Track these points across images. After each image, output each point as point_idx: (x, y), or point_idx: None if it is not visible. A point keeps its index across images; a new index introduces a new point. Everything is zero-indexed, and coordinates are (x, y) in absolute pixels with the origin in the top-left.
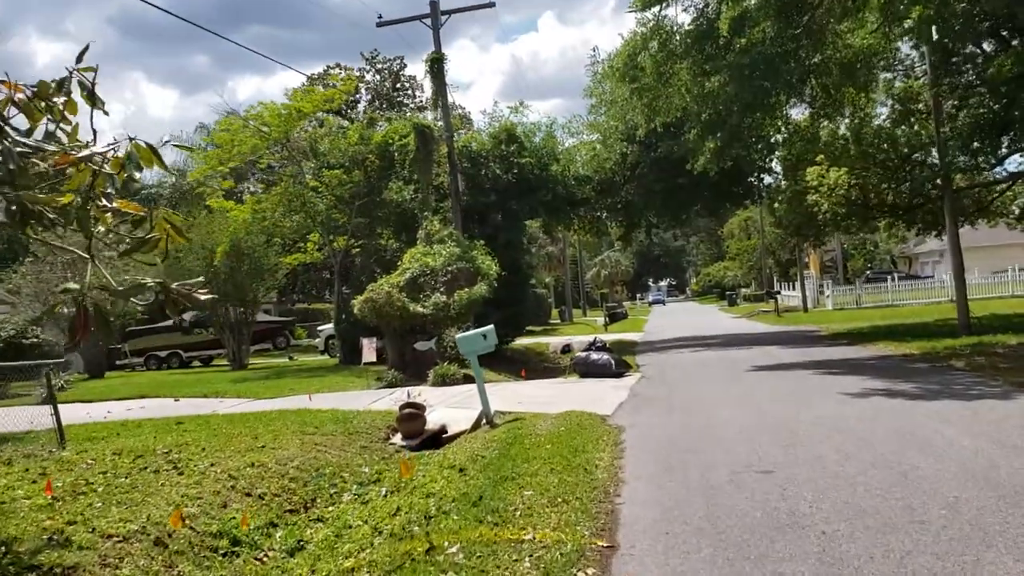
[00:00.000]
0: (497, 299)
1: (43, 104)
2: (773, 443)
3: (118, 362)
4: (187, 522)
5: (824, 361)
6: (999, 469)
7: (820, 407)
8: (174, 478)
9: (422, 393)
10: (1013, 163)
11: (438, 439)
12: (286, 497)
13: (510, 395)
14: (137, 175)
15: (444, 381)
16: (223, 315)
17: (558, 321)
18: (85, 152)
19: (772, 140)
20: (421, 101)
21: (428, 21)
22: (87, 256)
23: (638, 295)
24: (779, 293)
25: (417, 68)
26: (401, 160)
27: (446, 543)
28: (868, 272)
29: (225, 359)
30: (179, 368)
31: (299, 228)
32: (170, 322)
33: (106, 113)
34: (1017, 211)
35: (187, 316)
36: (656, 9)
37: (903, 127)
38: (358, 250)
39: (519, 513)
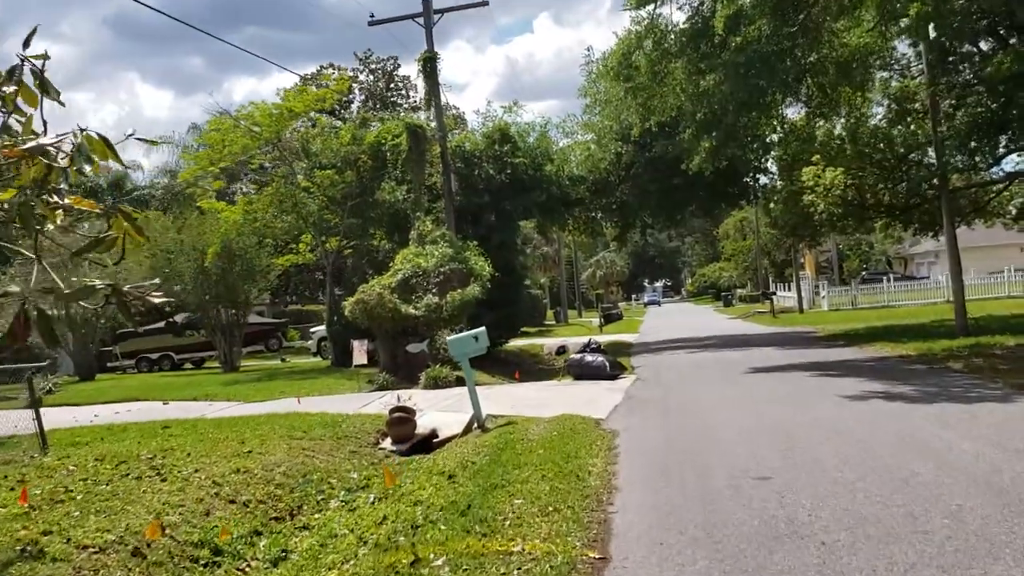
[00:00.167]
0: (491, 300)
1: None
2: (770, 447)
3: (109, 364)
4: (168, 531)
5: (821, 363)
6: (1002, 474)
7: (818, 410)
8: (156, 485)
9: (412, 396)
10: (1010, 163)
11: (429, 443)
12: (271, 504)
13: (503, 398)
14: (87, 169)
15: (436, 384)
16: (215, 317)
17: (553, 322)
18: (32, 144)
19: (768, 140)
20: (415, 101)
21: (421, 20)
22: (33, 256)
23: (633, 296)
24: (775, 294)
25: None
26: (394, 160)
27: (432, 555)
28: (864, 273)
29: (217, 361)
30: (170, 370)
31: (291, 229)
32: (162, 324)
33: (61, 104)
34: (1014, 211)
35: (179, 318)
36: (650, 7)
37: (899, 127)
38: (350, 251)
39: (508, 523)
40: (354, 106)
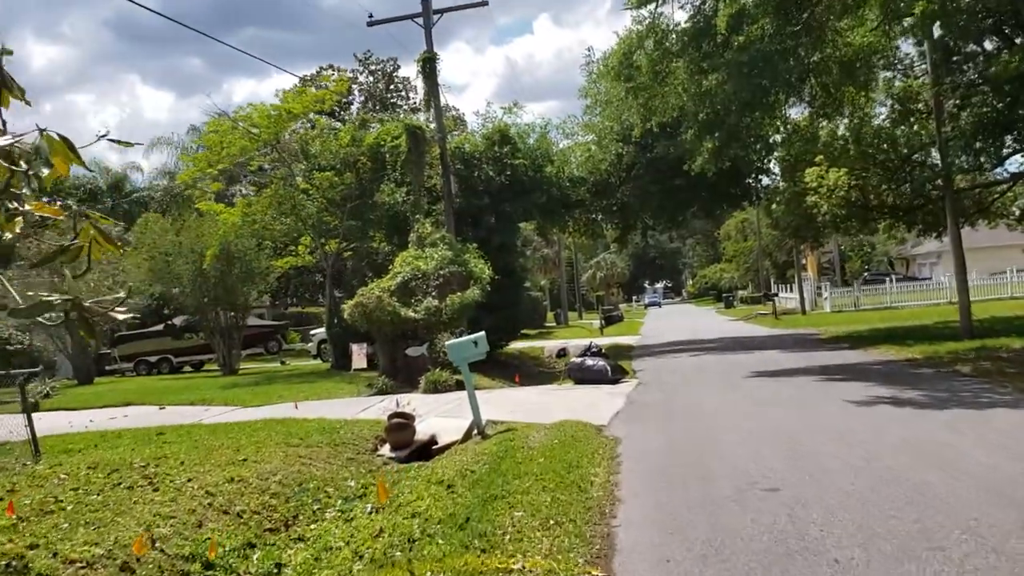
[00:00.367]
0: (491, 303)
1: None
2: (777, 456)
3: (107, 368)
4: (158, 544)
5: (826, 366)
6: (1019, 486)
7: (825, 416)
8: (148, 495)
9: (412, 401)
10: (1014, 163)
11: (428, 450)
12: (266, 515)
13: (503, 402)
14: (44, 171)
15: (436, 388)
16: (213, 319)
17: (553, 324)
18: None
19: (771, 140)
20: (414, 103)
21: (420, 20)
22: None
23: (634, 297)
24: (777, 295)
25: (410, 70)
26: (393, 162)
27: (429, 572)
28: (866, 274)
29: (216, 364)
30: (169, 373)
31: (290, 231)
32: (161, 326)
33: (27, 103)
34: (1018, 212)
35: (177, 320)
36: (652, 7)
37: (903, 127)
38: (350, 253)
39: (508, 537)
40: (353, 108)
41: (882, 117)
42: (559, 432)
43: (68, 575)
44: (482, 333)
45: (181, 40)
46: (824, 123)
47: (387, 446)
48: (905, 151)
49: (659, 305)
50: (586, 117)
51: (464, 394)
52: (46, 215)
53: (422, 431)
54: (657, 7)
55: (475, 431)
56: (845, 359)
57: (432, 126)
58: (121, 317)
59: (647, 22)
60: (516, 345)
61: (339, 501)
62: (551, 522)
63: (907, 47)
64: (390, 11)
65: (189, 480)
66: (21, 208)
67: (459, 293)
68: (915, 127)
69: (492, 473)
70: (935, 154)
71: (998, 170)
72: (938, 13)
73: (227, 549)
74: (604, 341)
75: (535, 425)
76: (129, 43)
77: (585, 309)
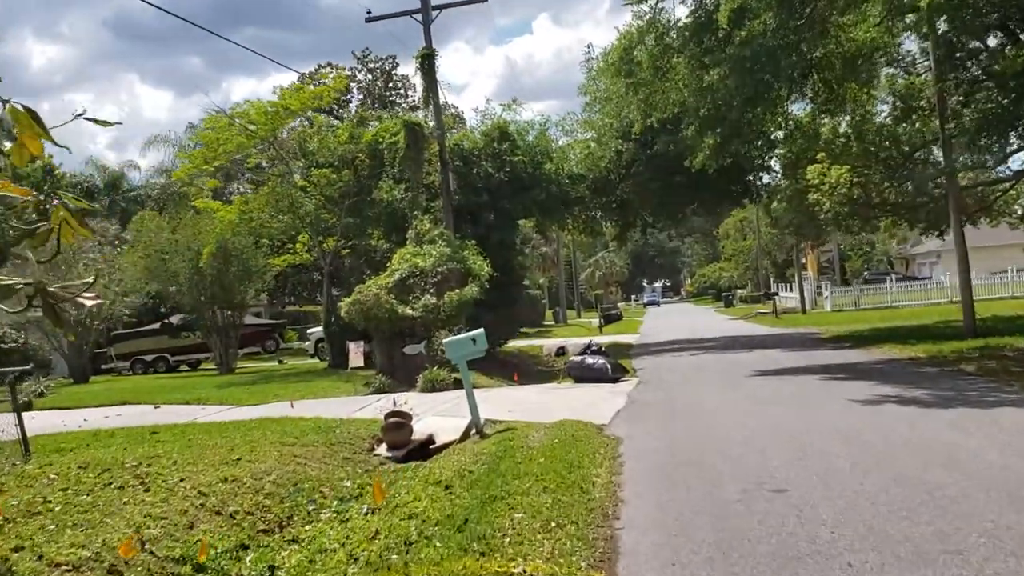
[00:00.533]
0: (489, 300)
1: None
2: (783, 456)
3: (103, 366)
4: (148, 546)
5: (828, 365)
6: None
7: (830, 415)
8: (139, 495)
9: (409, 400)
10: (1016, 161)
11: (425, 450)
12: (260, 515)
13: (502, 401)
14: (7, 144)
15: (434, 386)
16: (210, 318)
17: (552, 323)
18: None
19: (772, 137)
20: (413, 101)
21: (419, 17)
22: None
23: (633, 296)
24: (777, 294)
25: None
26: (391, 159)
27: None
28: (866, 273)
29: (213, 363)
30: (165, 372)
31: (287, 229)
32: (157, 325)
33: None
34: (1020, 211)
35: (174, 319)
36: (652, 1)
37: (905, 124)
38: (348, 251)
39: (508, 540)
40: (352, 105)
41: (884, 114)
42: (559, 431)
43: None
44: (481, 330)
45: (180, 39)
46: (826, 120)
47: (384, 446)
48: (907, 148)
49: (658, 304)
50: (585, 114)
51: (461, 393)
52: (11, 194)
53: (419, 430)
54: (658, 2)
55: (473, 430)
56: (847, 358)
57: (431, 123)
58: (89, 303)
59: (648, 17)
60: (515, 343)
61: (335, 502)
62: (552, 524)
63: (909, 44)
64: (389, 8)
65: (181, 480)
66: None
67: (457, 290)
68: (917, 124)
69: (491, 473)
70: (937, 152)
71: (1000, 168)
72: (944, 7)
73: (219, 551)
74: (603, 339)
75: (535, 424)
76: (128, 42)
77: (584, 308)
